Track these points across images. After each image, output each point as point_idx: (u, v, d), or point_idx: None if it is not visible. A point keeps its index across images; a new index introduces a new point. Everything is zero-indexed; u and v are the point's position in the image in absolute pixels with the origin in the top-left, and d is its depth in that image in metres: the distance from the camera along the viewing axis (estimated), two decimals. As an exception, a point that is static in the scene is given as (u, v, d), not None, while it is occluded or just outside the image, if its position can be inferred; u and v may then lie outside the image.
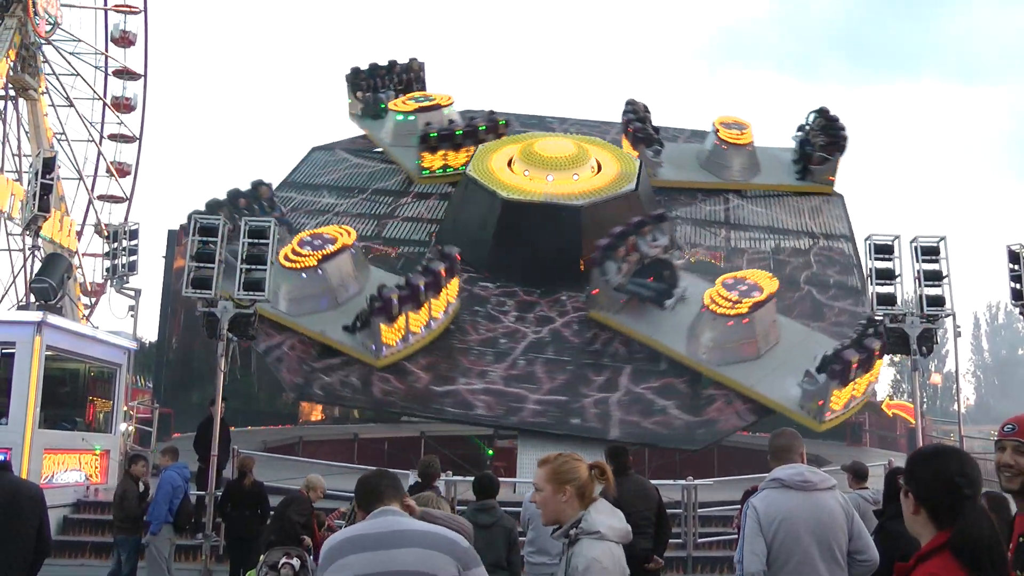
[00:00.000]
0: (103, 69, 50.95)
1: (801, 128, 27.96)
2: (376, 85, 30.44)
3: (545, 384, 21.43)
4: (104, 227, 48.72)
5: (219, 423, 15.96)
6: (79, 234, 47.76)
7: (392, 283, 21.10)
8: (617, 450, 9.50)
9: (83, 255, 47.26)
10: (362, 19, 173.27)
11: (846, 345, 20.11)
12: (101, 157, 51.21)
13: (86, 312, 47.46)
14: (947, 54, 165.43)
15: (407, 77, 31.10)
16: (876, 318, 18.32)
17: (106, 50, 50.82)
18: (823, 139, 27.41)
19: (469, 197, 24.40)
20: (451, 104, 29.39)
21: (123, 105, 51.47)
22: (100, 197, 51.41)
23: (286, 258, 21.68)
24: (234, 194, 23.90)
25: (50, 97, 48.92)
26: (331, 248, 22.01)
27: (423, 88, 31.00)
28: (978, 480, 3.04)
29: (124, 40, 51.07)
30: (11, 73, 45.48)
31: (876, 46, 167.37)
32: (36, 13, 46.62)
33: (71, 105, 50.18)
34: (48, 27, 47.95)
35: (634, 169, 24.70)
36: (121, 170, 51.94)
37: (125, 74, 51.45)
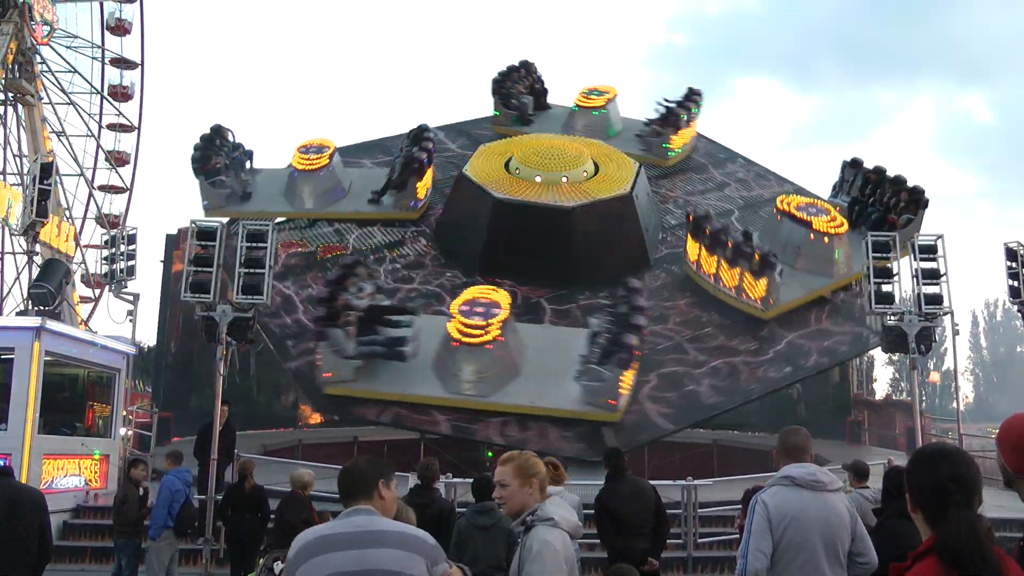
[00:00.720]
0: (100, 59, 50.92)
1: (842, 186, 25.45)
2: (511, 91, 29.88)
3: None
4: (105, 218, 48.87)
5: (223, 427, 16.01)
6: (80, 227, 47.98)
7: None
8: (613, 452, 9.54)
9: (85, 247, 47.32)
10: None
11: (615, 331, 19.29)
12: (100, 148, 51.19)
13: (88, 308, 47.59)
14: (941, 55, 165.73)
15: (531, 79, 30.86)
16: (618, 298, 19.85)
17: (102, 40, 50.81)
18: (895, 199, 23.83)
19: (462, 195, 24.36)
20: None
21: (121, 94, 51.45)
22: (101, 188, 51.39)
23: (299, 163, 24.67)
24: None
25: (47, 95, 48.91)
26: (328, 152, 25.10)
27: (544, 88, 31.02)
28: (973, 483, 3.04)
29: (120, 28, 51.00)
30: (8, 78, 45.47)
31: (870, 47, 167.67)
32: (32, 18, 46.59)
33: (70, 102, 50.16)
34: (45, 31, 47.93)
35: (631, 173, 24.59)
36: (120, 159, 51.90)
37: (122, 63, 51.41)
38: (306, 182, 25.11)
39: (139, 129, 52.24)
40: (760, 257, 21.13)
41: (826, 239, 22.65)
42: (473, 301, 20.14)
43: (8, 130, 48.05)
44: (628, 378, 19.35)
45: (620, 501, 8.70)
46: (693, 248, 23.20)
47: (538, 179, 23.41)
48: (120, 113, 51.72)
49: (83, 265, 46.85)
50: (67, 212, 48.64)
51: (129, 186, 52.12)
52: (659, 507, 8.89)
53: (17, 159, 48.02)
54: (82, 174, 50.72)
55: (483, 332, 19.41)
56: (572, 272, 23.12)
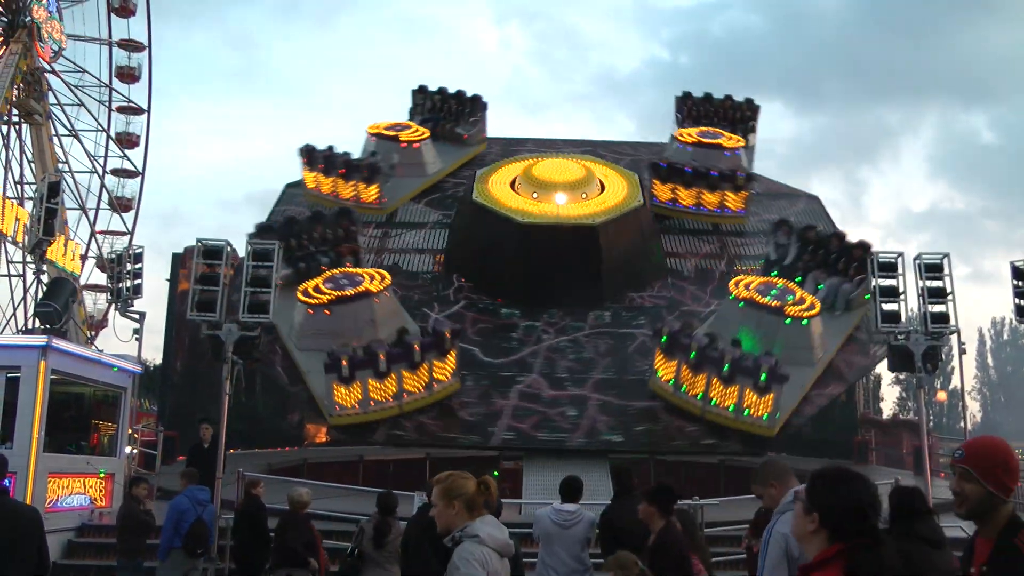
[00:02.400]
0: (107, 104, 51.22)
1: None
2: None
3: (554, 402, 21.65)
4: (106, 262, 48.97)
5: (208, 447, 16.07)
6: (82, 263, 48.05)
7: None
8: (620, 473, 9.49)
9: (84, 287, 47.36)
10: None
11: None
12: (104, 190, 51.37)
13: (90, 336, 47.52)
14: (946, 75, 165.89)
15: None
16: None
17: (110, 83, 51.10)
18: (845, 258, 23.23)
19: (477, 223, 24.30)
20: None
21: (127, 141, 51.72)
22: (102, 232, 51.52)
23: (304, 292, 21.26)
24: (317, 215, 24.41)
25: (54, 126, 49.17)
26: (350, 291, 21.14)
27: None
28: (875, 505, 3.20)
29: (128, 76, 51.38)
30: (16, 98, 45.70)
31: (874, 68, 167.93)
32: (40, 39, 46.89)
33: (75, 135, 50.39)
34: (53, 52, 48.18)
35: (637, 184, 24.91)
36: (123, 205, 52.08)
37: (129, 110, 51.75)
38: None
39: (143, 175, 52.55)
40: (769, 371, 19.50)
41: (803, 323, 20.84)
42: (349, 276, 21.74)
43: (12, 152, 48.27)
44: (418, 376, 20.20)
45: (626, 520, 8.66)
46: (667, 369, 20.85)
47: (560, 199, 23.56)
48: (125, 157, 52.05)
49: (82, 306, 46.94)
50: (73, 233, 48.84)
51: (131, 230, 52.19)
52: None
53: (20, 185, 48.12)
54: (84, 212, 50.86)
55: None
56: (601, 287, 23.56)
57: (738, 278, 22.15)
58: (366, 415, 20.21)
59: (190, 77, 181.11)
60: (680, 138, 28.21)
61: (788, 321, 20.62)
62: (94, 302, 48.05)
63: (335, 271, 22.02)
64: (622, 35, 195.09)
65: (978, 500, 3.71)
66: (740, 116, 30.07)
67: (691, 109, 30.12)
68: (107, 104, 51.30)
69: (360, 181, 26.51)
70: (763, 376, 19.42)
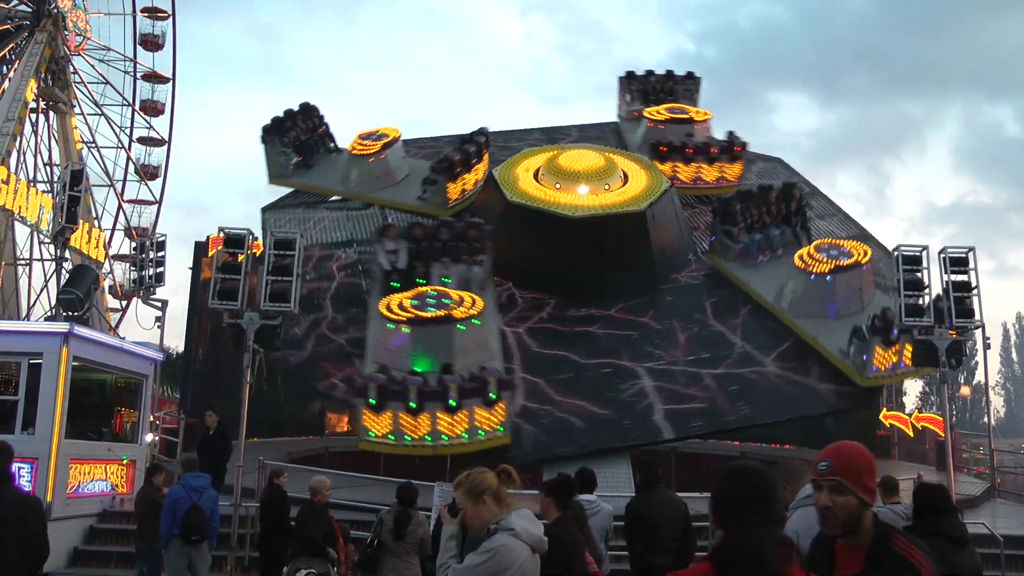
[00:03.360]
0: (132, 74, 51.46)
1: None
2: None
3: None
4: (134, 231, 49.42)
5: (214, 433, 16.12)
6: (109, 239, 48.46)
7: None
8: (645, 465, 9.46)
9: (113, 258, 47.79)
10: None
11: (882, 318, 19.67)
12: (130, 161, 51.68)
13: (115, 318, 47.95)
14: (970, 68, 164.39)
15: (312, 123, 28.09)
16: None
17: (134, 55, 51.33)
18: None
19: (517, 222, 23.35)
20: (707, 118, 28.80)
21: (152, 108, 51.91)
22: (130, 201, 51.86)
23: (800, 259, 21.67)
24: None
25: (79, 106, 49.46)
26: (845, 261, 21.32)
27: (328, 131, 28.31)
28: (764, 499, 3.12)
29: (152, 43, 51.52)
30: (42, 86, 45.98)
31: (898, 60, 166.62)
32: (66, 28, 47.16)
33: (101, 113, 50.68)
34: (78, 41, 48.46)
35: (654, 167, 24.76)
36: (150, 173, 52.35)
37: (153, 78, 51.94)
38: (355, 165, 25.98)
39: (169, 143, 52.75)
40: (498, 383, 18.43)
41: (475, 323, 19.73)
42: (836, 245, 22.12)
43: (40, 139, 48.60)
44: (887, 355, 19.88)
45: (652, 511, 8.62)
46: (381, 423, 18.48)
47: (583, 191, 23.24)
48: (151, 127, 52.23)
49: (111, 276, 47.29)
50: (96, 222, 49.15)
51: (159, 199, 52.60)
52: (688, 521, 8.80)
53: (48, 166, 48.54)
54: (111, 186, 51.23)
55: (815, 264, 21.49)
56: (654, 273, 23.25)
57: (386, 299, 20.28)
58: (402, 448, 18.70)
59: (212, 68, 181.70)
60: (651, 116, 28.31)
61: (461, 327, 19.35)
62: (124, 272, 48.30)
63: (822, 242, 22.61)
64: (647, 27, 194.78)
65: (850, 513, 3.49)
66: (683, 90, 30.35)
67: (636, 87, 30.25)
68: (132, 74, 51.54)
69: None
70: (491, 387, 18.25)
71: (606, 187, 23.36)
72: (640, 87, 30.39)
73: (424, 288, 20.53)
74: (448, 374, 18.41)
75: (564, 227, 22.37)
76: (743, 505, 3.01)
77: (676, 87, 30.37)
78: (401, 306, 19.57)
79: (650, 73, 30.86)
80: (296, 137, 26.24)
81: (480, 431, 18.40)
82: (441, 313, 19.29)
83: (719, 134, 27.87)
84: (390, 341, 19.69)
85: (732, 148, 26.85)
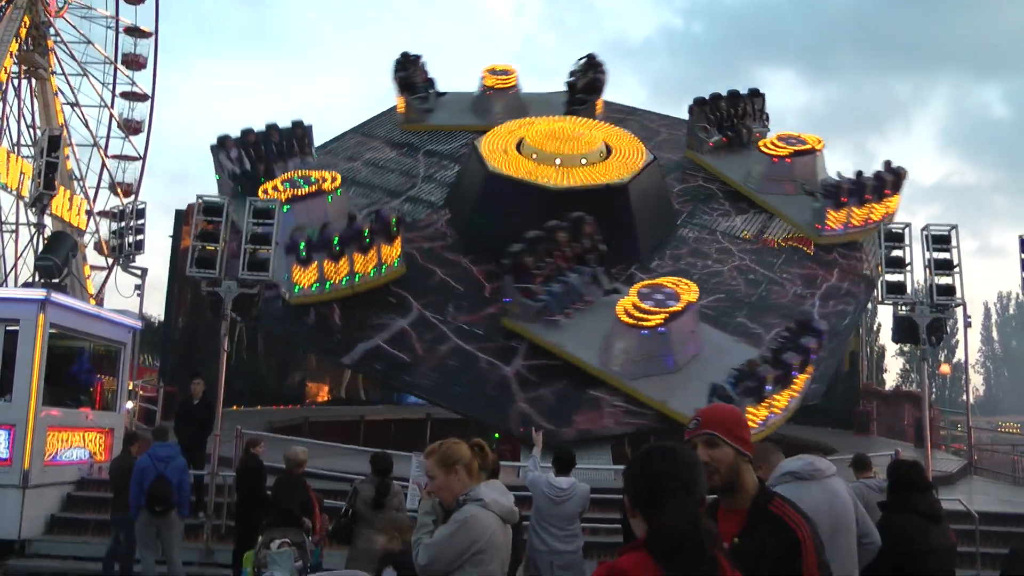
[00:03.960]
0: (114, 29, 50.94)
1: (572, 73, 27.85)
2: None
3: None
4: (119, 187, 49.12)
5: (199, 402, 16.04)
6: (94, 197, 48.24)
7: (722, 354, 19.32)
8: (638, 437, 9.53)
9: (99, 214, 47.61)
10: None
11: (764, 359, 18.46)
12: (112, 118, 51.30)
13: (100, 277, 47.82)
14: (958, 48, 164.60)
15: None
16: (788, 330, 18.83)
17: (116, 11, 50.78)
18: (583, 81, 27.42)
19: (497, 193, 22.96)
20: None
21: (134, 62, 51.43)
22: (114, 157, 51.52)
23: (626, 313, 19.06)
24: (270, 128, 24.43)
25: (61, 67, 48.99)
26: (675, 306, 18.94)
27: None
28: (689, 477, 2.92)
29: None
30: (22, 51, 45.50)
31: (887, 38, 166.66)
32: (46, -8, 46.67)
33: (83, 73, 50.20)
34: (59, 6, 47.92)
35: (639, 143, 24.46)
36: (133, 128, 51.94)
37: (136, 32, 51.41)
38: (498, 99, 27.64)
39: (152, 98, 52.34)
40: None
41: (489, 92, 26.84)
42: (659, 287, 19.68)
43: (23, 103, 48.13)
44: (759, 411, 18.23)
45: None
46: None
47: (558, 162, 22.98)
48: (133, 82, 51.81)
49: (97, 234, 47.09)
50: (80, 183, 48.80)
51: (142, 155, 52.25)
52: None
53: (31, 130, 48.11)
54: (95, 144, 50.83)
55: (646, 317, 18.78)
56: (636, 247, 22.91)
57: (266, 184, 22.03)
58: (323, 295, 20.60)
59: (198, 35, 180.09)
60: (769, 150, 26.27)
61: (329, 199, 21.57)
62: (109, 227, 48.17)
63: (640, 286, 20.18)
64: (635, 2, 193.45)
65: (729, 465, 3.55)
66: (753, 109, 29.26)
67: (709, 115, 28.82)
68: (114, 29, 51.02)
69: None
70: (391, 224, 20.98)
71: (583, 162, 23.18)
72: (714, 113, 29.06)
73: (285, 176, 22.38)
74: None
75: (545, 198, 22.27)
76: (668, 487, 2.86)
77: (746, 107, 29.14)
78: (276, 189, 21.33)
79: (717, 97, 29.39)
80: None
81: (384, 266, 21.02)
82: (314, 188, 21.44)
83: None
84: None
85: (899, 176, 24.61)
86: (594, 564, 10.51)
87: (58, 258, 18.24)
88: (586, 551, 9.89)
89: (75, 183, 46.96)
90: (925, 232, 17.13)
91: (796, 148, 25.32)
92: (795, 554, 3.36)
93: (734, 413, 3.79)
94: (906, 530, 6.02)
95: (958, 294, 16.85)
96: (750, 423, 17.72)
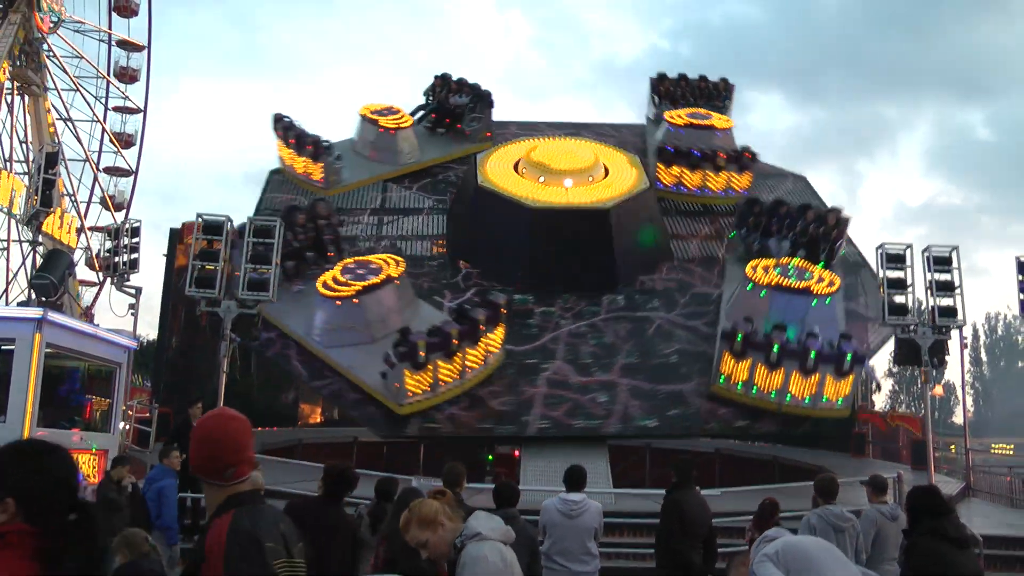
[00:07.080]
0: (107, 42, 50.81)
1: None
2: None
3: (584, 388, 21.52)
4: (111, 200, 48.88)
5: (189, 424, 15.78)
6: (85, 211, 47.94)
7: (427, 325, 20.16)
8: (682, 463, 9.43)
9: (90, 229, 47.33)
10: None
11: (433, 325, 19.86)
12: (104, 132, 51.10)
13: (92, 292, 47.50)
14: (943, 71, 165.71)
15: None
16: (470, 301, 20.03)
17: (109, 23, 50.63)
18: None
19: (484, 208, 23.92)
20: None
21: (127, 76, 51.27)
22: (106, 170, 51.25)
23: (325, 285, 20.91)
24: (291, 209, 24.00)
25: (54, 82, 48.80)
26: (374, 279, 20.77)
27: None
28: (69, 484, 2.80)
29: (126, 9, 50.86)
30: (14, 68, 45.30)
31: (873, 62, 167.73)
32: (39, 9, 46.47)
33: (76, 88, 50.04)
34: (52, 23, 47.78)
35: (640, 166, 24.76)
36: (125, 141, 51.75)
37: (128, 45, 51.28)
38: (403, 138, 28.33)
39: (145, 111, 52.15)
40: (854, 355, 19.12)
41: (827, 302, 21.28)
42: (365, 263, 21.32)
43: (16, 119, 47.89)
44: (424, 377, 19.64)
45: (691, 512, 8.65)
46: (739, 369, 20.47)
47: (568, 183, 23.27)
48: (126, 95, 51.65)
49: (88, 250, 46.84)
50: (72, 198, 48.53)
51: (134, 169, 52.02)
52: (712, 523, 8.90)
53: (24, 145, 47.84)
54: (88, 159, 50.61)
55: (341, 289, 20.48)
56: (614, 271, 23.29)
57: (754, 262, 22.06)
58: (433, 399, 20.17)
59: (190, 55, 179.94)
60: (671, 120, 27.81)
61: (814, 302, 20.50)
62: (101, 243, 47.95)
63: (347, 261, 21.85)
64: (623, 24, 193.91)
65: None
66: (716, 94, 29.86)
67: (667, 90, 29.92)
68: (107, 43, 50.87)
69: (308, 157, 26.70)
70: (848, 357, 18.96)
71: (590, 179, 23.33)
72: (672, 89, 29.80)
73: (343, 263, 22.10)
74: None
75: (523, 216, 22.62)
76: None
77: (708, 92, 29.90)
78: (337, 281, 21.30)
79: (682, 77, 30.12)
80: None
81: (489, 353, 21.00)
82: (382, 277, 21.20)
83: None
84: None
85: (742, 156, 26.45)
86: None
87: (55, 276, 18.07)
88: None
89: (67, 199, 46.67)
90: (926, 253, 17.11)
91: (695, 121, 26.78)
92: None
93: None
94: (934, 554, 5.92)
95: (960, 315, 16.83)
96: (414, 389, 19.61)
